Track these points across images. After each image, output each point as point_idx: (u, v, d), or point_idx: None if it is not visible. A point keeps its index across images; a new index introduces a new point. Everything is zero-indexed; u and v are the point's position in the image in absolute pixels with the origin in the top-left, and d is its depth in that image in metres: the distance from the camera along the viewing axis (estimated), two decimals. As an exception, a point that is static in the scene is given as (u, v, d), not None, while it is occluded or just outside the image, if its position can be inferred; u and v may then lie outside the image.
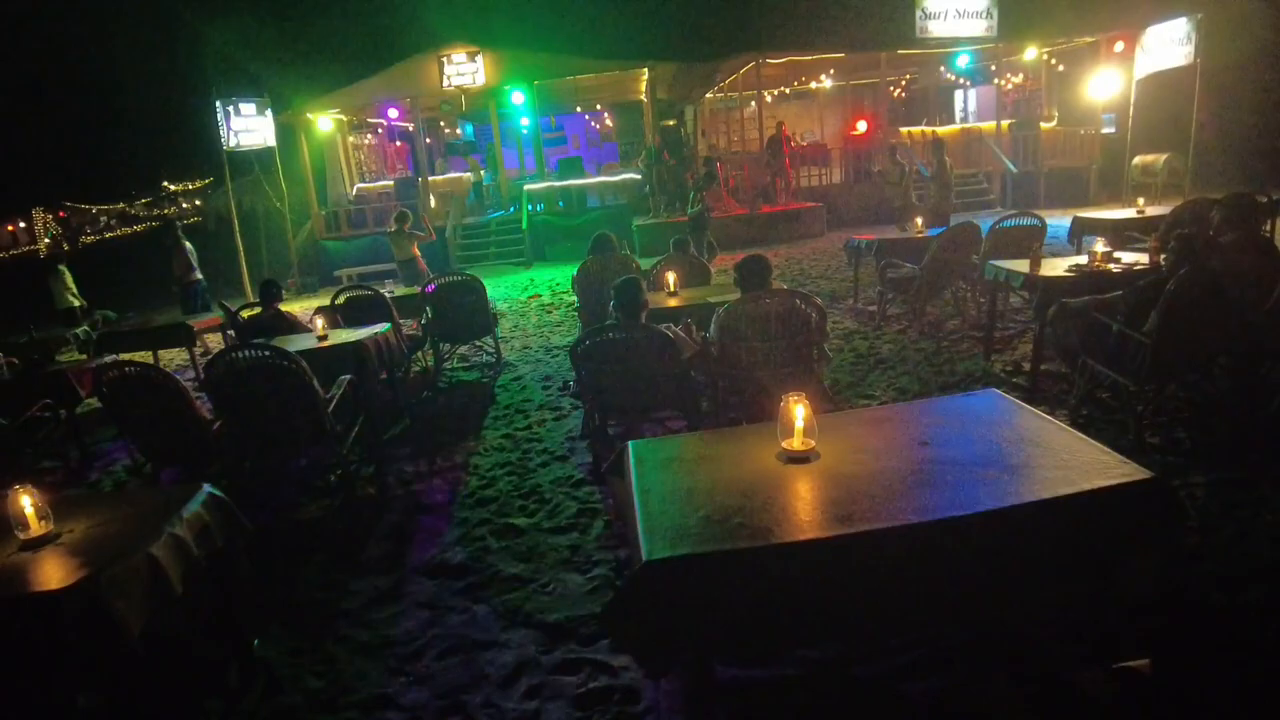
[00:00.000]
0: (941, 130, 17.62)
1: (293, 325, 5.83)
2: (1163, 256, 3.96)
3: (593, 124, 24.67)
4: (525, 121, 17.77)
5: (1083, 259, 4.86)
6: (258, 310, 6.12)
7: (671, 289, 5.20)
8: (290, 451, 4.53)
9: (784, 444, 2.19)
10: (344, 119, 17.55)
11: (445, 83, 14.80)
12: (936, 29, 14.46)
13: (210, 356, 4.41)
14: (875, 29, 14.79)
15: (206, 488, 2.53)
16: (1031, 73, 17.90)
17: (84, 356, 7.72)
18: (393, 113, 17.26)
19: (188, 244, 9.64)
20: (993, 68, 18.52)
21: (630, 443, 2.44)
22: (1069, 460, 1.99)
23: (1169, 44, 12.64)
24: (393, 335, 5.36)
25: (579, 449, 4.54)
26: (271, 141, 14.10)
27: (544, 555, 3.35)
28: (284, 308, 6.09)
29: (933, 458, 2.10)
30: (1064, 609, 2.28)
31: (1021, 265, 4.86)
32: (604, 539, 3.42)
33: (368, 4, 16.02)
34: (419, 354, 6.77)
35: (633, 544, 1.93)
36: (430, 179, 16.23)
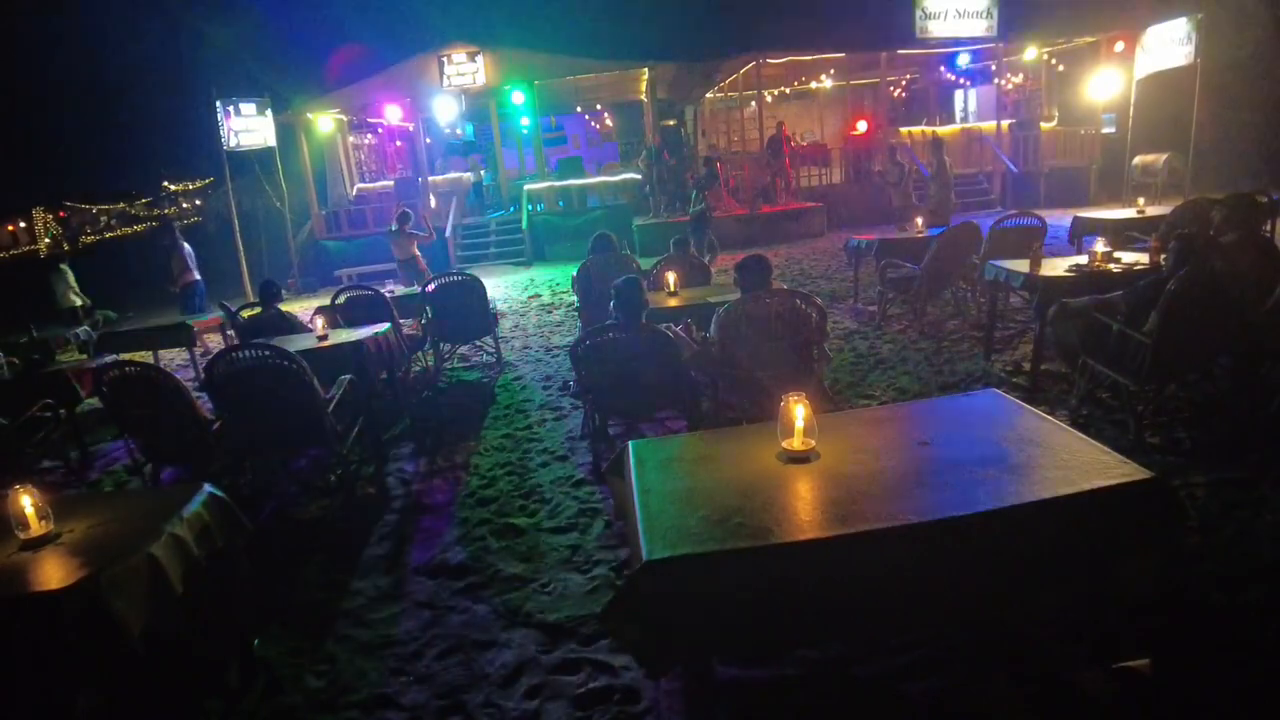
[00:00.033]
0: (942, 130, 17.61)
1: (293, 325, 5.84)
2: (1163, 256, 3.96)
3: (593, 124, 24.66)
4: (525, 121, 17.77)
5: (1083, 259, 4.86)
6: (258, 310, 6.12)
7: (671, 289, 5.20)
8: (290, 451, 4.54)
9: (784, 444, 2.19)
10: (344, 119, 17.54)
11: (445, 83, 14.80)
12: (936, 29, 14.46)
13: (210, 356, 4.41)
14: (875, 29, 14.80)
15: (207, 487, 2.53)
16: (1031, 73, 17.89)
17: (84, 356, 7.72)
18: (393, 112, 17.23)
19: (185, 245, 9.64)
20: (993, 68, 18.52)
21: (630, 443, 2.44)
22: (1069, 460, 1.99)
23: (1169, 44, 12.64)
24: (393, 335, 5.36)
25: (579, 449, 4.54)
26: (271, 141, 14.10)
27: (544, 555, 3.35)
28: (284, 308, 6.09)
29: (933, 458, 2.10)
30: (1064, 609, 2.28)
31: (1021, 265, 4.86)
32: (604, 539, 3.42)
33: (368, 4, 16.03)
34: (419, 354, 6.77)
35: (633, 544, 1.93)
36: (430, 179, 16.23)
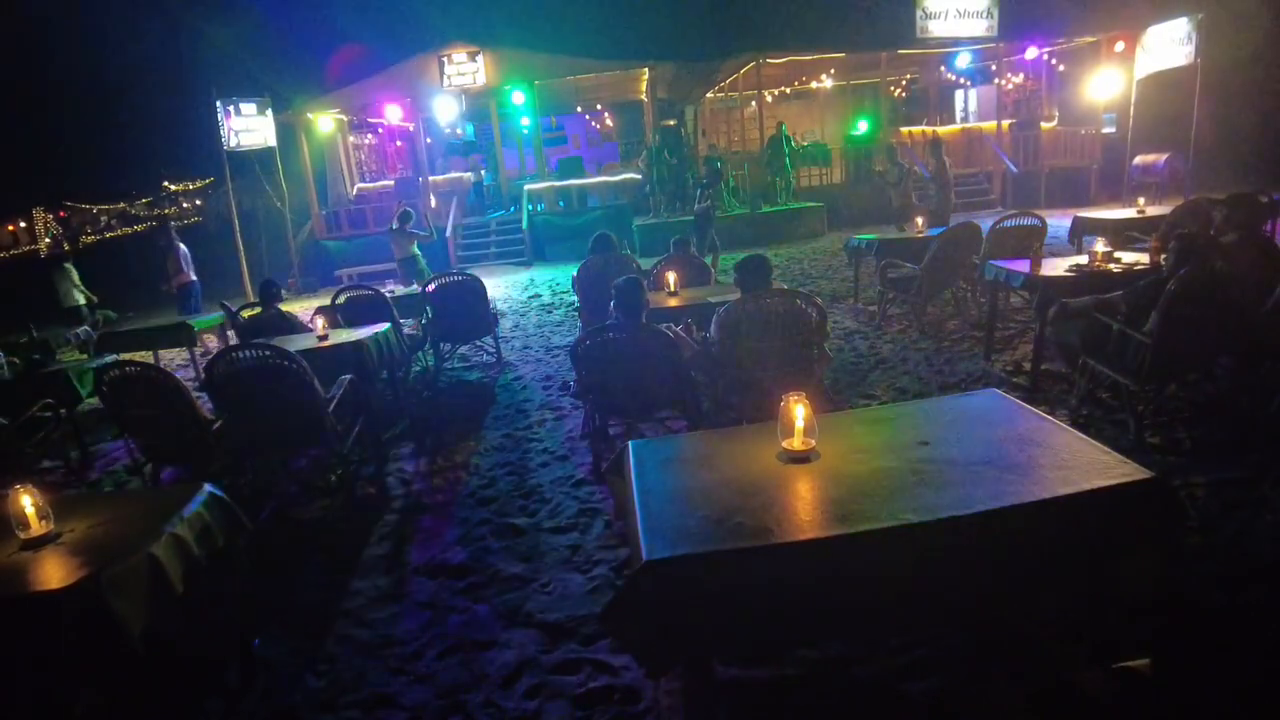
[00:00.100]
0: (942, 130, 17.61)
1: (293, 325, 5.84)
2: (1163, 256, 3.95)
3: (593, 124, 24.66)
4: (525, 121, 17.77)
5: (1083, 259, 4.86)
6: (258, 310, 6.12)
7: (671, 289, 5.20)
8: (290, 451, 4.54)
9: (784, 444, 2.19)
10: (344, 119, 17.54)
11: (445, 83, 14.80)
12: (937, 29, 14.46)
13: (211, 356, 4.42)
14: (875, 29, 14.80)
15: (207, 487, 2.53)
16: (1032, 73, 17.89)
17: (84, 356, 7.72)
18: (394, 112, 17.22)
19: (182, 245, 9.65)
20: (993, 68, 18.51)
21: (630, 443, 2.44)
22: (1069, 460, 1.99)
23: (1169, 44, 12.64)
24: (393, 335, 5.36)
25: (579, 449, 4.54)
26: (272, 141, 14.10)
27: (544, 555, 3.35)
28: (284, 308, 6.09)
29: (933, 457, 2.10)
30: (1064, 609, 2.28)
31: (1022, 265, 4.86)
32: (604, 539, 3.42)
33: (368, 4, 16.03)
34: (419, 354, 6.77)
35: (633, 544, 1.93)
36: (430, 179, 16.23)
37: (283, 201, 14.82)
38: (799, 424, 2.17)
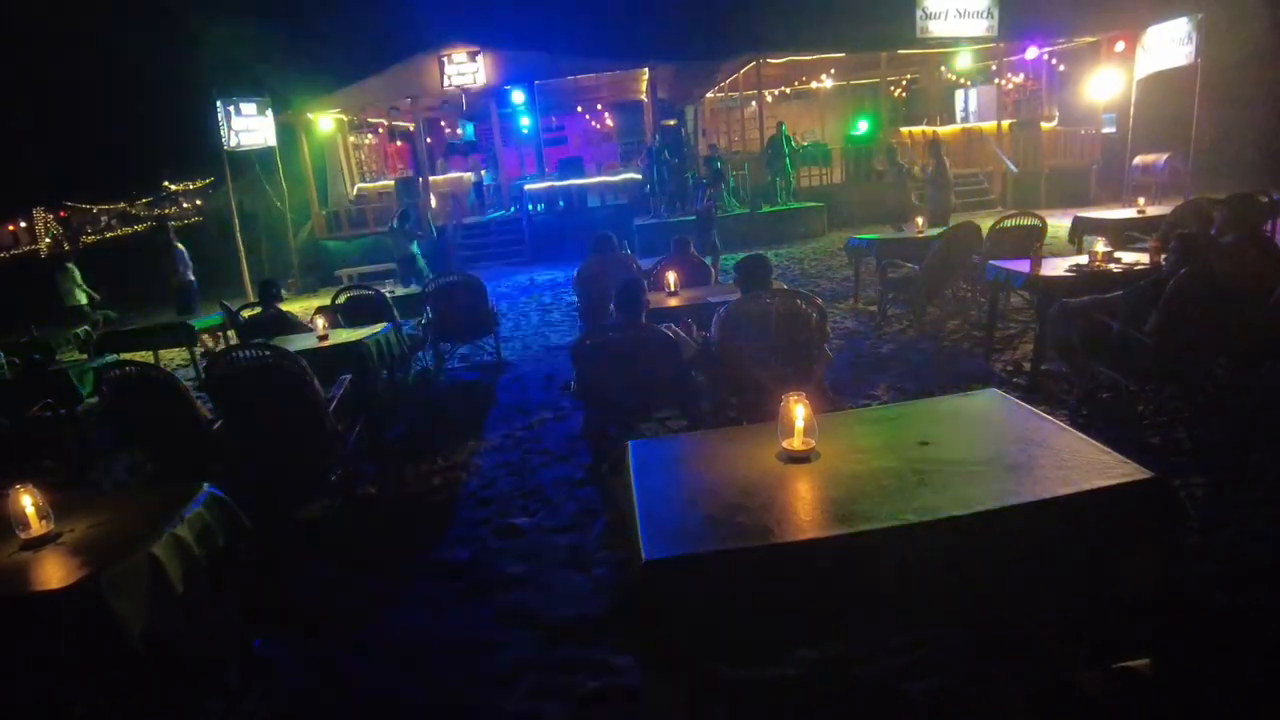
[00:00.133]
0: (942, 130, 17.61)
1: (293, 325, 5.84)
2: (1163, 256, 3.96)
3: (593, 124, 24.66)
4: (525, 121, 17.78)
5: (1083, 259, 4.85)
6: (258, 310, 6.13)
7: (671, 289, 5.20)
8: (291, 451, 4.53)
9: (784, 444, 2.19)
10: (344, 119, 17.55)
11: (445, 83, 14.81)
12: (937, 29, 14.46)
13: (211, 356, 4.42)
14: (875, 29, 14.78)
15: (207, 488, 2.53)
16: (1032, 73, 17.89)
17: (84, 356, 7.72)
18: (394, 113, 17.23)
19: (180, 245, 9.66)
20: (993, 67, 18.50)
21: (630, 443, 2.44)
22: (1069, 460, 1.98)
23: (1170, 44, 12.64)
24: (393, 335, 5.36)
25: (579, 449, 4.54)
26: (272, 141, 14.11)
27: (544, 555, 3.35)
28: (284, 308, 6.09)
29: (933, 457, 2.09)
30: (1064, 609, 2.28)
31: (1022, 265, 4.86)
32: (604, 539, 3.42)
33: (368, 4, 16.03)
34: (419, 354, 6.77)
35: (633, 544, 1.93)
36: (430, 179, 16.24)
37: (283, 201, 14.82)
38: (799, 424, 2.16)
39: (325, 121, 16.45)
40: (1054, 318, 4.26)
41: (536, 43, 14.75)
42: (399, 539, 3.67)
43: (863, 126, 16.91)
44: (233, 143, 13.66)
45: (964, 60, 17.06)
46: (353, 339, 4.90)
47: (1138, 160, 13.93)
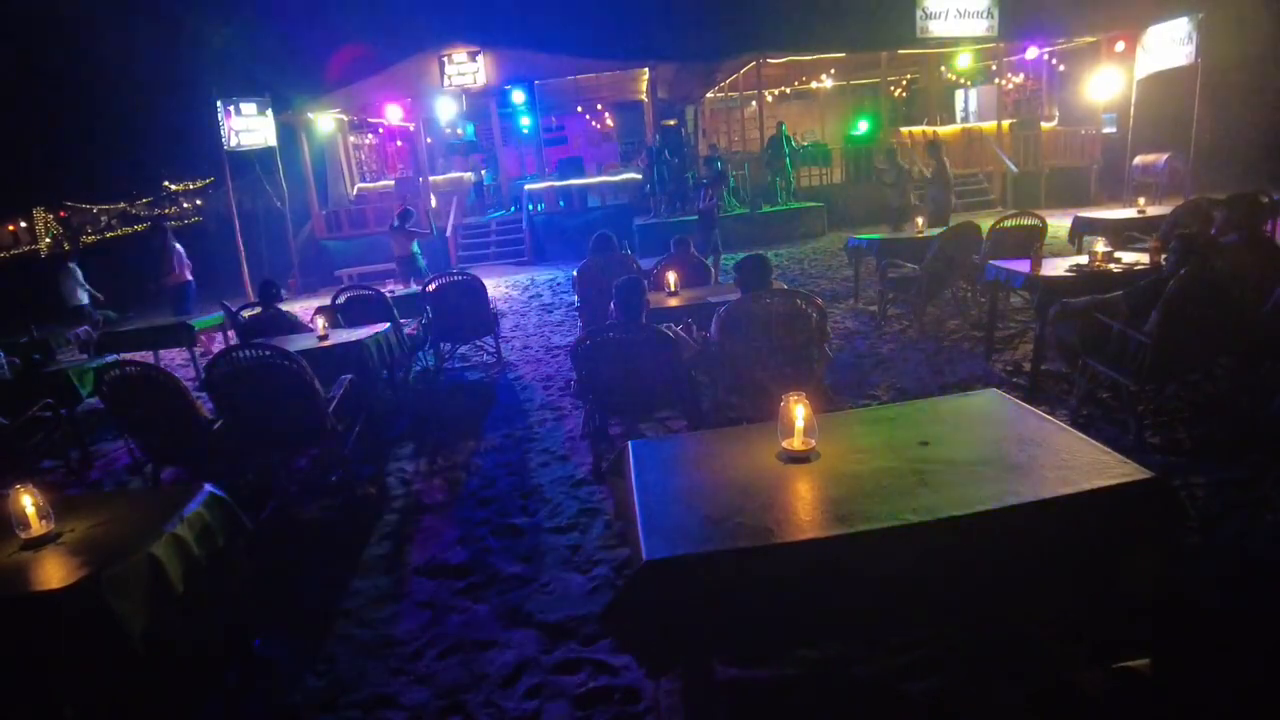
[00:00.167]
0: (942, 130, 17.60)
1: (293, 325, 5.84)
2: (1163, 256, 3.96)
3: (593, 124, 24.66)
4: (525, 121, 17.77)
5: (1083, 259, 4.86)
6: (258, 310, 6.13)
7: (672, 289, 5.20)
8: (290, 451, 4.54)
9: (784, 444, 2.19)
10: (344, 119, 17.54)
11: (445, 83, 14.80)
12: (937, 29, 14.46)
13: (211, 356, 4.42)
14: (875, 29, 14.79)
15: (207, 487, 2.53)
16: (1032, 73, 17.89)
17: (84, 356, 7.72)
18: (394, 112, 17.22)
19: (177, 245, 9.65)
20: (993, 67, 18.50)
21: (630, 443, 2.44)
22: (1069, 460, 1.98)
23: (1170, 44, 12.63)
24: (393, 335, 5.36)
25: (579, 449, 4.54)
26: (272, 141, 14.09)
27: (544, 555, 3.35)
28: (284, 307, 6.09)
29: (933, 457, 2.09)
30: (1064, 609, 2.28)
31: (1022, 265, 4.86)
32: (604, 539, 3.42)
33: (368, 4, 16.03)
34: (419, 354, 6.77)
35: (633, 544, 1.93)
36: (430, 179, 16.24)
37: (283, 201, 14.81)
38: (799, 424, 2.17)
39: (325, 121, 16.44)
40: (1054, 318, 4.26)
41: (536, 43, 14.75)
42: (399, 539, 3.67)
43: (863, 126, 16.90)
44: (233, 143, 13.65)
45: (964, 60, 17.05)
46: (352, 339, 4.91)
47: (1138, 160, 13.92)
